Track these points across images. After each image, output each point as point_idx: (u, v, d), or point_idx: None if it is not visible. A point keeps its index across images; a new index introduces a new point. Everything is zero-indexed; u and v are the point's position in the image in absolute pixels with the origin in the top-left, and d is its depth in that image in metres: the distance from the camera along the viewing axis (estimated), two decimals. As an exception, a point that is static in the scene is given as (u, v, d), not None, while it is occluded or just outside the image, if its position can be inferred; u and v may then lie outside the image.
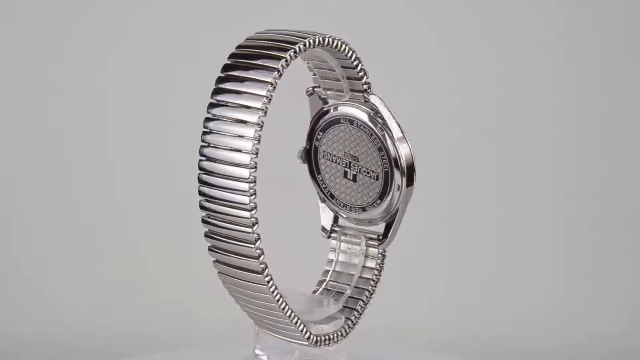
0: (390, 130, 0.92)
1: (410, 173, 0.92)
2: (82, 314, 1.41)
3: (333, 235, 0.98)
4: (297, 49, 0.87)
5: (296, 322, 0.91)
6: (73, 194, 1.49)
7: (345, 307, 0.97)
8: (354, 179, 0.95)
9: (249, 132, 0.86)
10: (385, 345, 1.22)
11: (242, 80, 0.87)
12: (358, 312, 0.96)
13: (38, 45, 1.51)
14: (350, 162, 0.95)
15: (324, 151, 0.96)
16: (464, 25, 1.52)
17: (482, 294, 1.44)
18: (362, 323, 0.95)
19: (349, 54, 0.91)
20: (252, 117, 0.86)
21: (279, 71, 0.86)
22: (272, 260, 0.87)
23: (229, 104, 0.87)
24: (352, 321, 0.96)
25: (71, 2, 1.52)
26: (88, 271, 1.45)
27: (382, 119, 0.92)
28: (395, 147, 0.92)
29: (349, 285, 0.97)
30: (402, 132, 0.92)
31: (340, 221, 0.98)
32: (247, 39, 0.90)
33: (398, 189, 0.92)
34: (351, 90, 0.93)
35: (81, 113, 1.51)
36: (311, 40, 0.88)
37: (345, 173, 0.95)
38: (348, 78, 0.93)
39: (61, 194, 1.49)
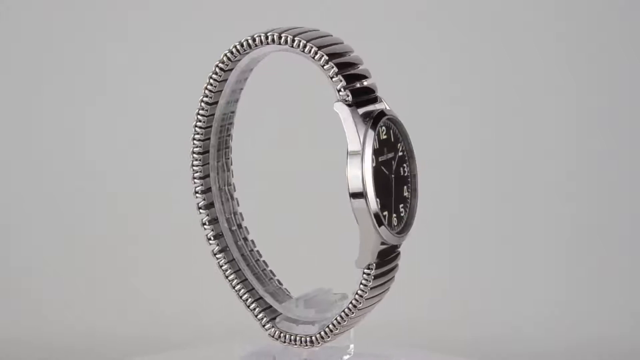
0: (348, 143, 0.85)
1: (354, 190, 0.84)
2: (82, 314, 1.41)
3: None
4: (239, 45, 0.88)
5: (249, 303, 0.92)
6: (73, 194, 1.49)
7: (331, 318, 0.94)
8: None
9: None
10: (385, 345, 1.22)
11: None
12: (329, 328, 0.90)
13: (37, 45, 1.52)
14: None
15: None
16: (463, 26, 1.52)
17: (482, 294, 1.44)
18: (363, 322, 0.95)
19: (310, 53, 0.85)
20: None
21: (219, 64, 0.89)
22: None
23: None
24: (326, 332, 0.90)
25: (70, 2, 1.52)
26: (88, 271, 1.45)
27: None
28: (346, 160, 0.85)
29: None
30: (361, 145, 0.84)
31: None
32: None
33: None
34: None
35: (81, 114, 1.51)
36: (252, 39, 0.87)
37: None
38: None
39: (61, 194, 1.49)
